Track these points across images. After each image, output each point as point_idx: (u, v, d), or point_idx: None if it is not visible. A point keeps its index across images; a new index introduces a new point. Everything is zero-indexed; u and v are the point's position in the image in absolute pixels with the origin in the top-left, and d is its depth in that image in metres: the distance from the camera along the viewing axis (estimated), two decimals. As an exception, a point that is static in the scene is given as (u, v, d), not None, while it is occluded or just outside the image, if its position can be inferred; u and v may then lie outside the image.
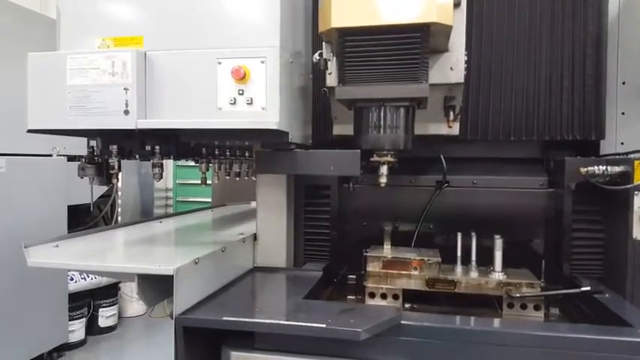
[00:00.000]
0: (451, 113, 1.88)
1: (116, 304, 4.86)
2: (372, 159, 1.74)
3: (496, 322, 1.62)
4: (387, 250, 1.97)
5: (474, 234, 1.90)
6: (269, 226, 2.10)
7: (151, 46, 1.63)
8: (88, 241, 2.07)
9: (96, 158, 1.83)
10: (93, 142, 1.88)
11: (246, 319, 1.47)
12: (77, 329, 4.35)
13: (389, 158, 1.72)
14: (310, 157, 1.76)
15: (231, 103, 1.57)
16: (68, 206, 4.03)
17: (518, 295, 1.76)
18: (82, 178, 1.85)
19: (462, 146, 2.18)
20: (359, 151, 1.72)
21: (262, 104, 1.56)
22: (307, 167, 1.78)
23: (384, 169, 1.74)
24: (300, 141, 1.85)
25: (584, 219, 1.96)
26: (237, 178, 2.68)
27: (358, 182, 2.20)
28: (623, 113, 2.04)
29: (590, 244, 1.96)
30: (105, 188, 4.28)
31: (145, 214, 6.30)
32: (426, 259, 1.86)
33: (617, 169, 1.79)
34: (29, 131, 1.69)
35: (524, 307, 1.78)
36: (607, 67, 2.01)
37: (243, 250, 2.04)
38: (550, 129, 2.04)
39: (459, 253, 1.92)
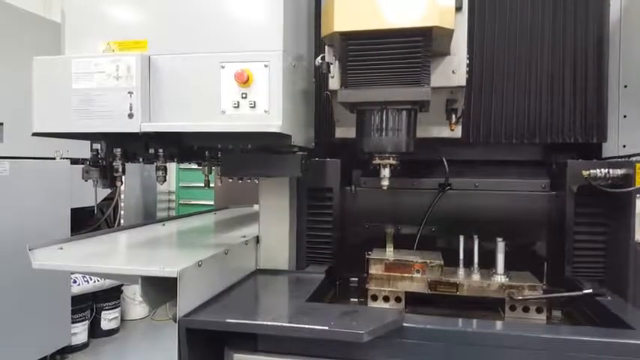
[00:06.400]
0: (453, 116, 1.89)
1: (119, 306, 4.87)
2: (374, 161, 1.75)
3: (498, 324, 1.62)
4: (390, 253, 1.97)
5: (476, 237, 1.90)
6: (272, 228, 2.11)
7: (155, 50, 1.64)
8: (91, 244, 2.08)
9: (100, 161, 1.85)
10: (97, 145, 1.89)
11: (249, 322, 1.47)
12: (80, 332, 4.35)
13: (391, 161, 1.72)
14: (252, 160, 1.79)
15: (235, 107, 1.58)
16: (71, 209, 4.04)
17: (520, 297, 1.77)
18: (85, 181, 1.86)
19: (464, 149, 2.18)
20: (300, 154, 1.75)
21: (265, 107, 1.57)
22: (251, 169, 1.82)
23: (386, 172, 1.75)
24: (303, 144, 1.85)
25: (586, 222, 1.96)
26: (240, 181, 2.69)
27: (360, 185, 2.21)
28: (625, 116, 2.04)
29: (592, 247, 1.96)
30: (108, 191, 4.29)
31: (148, 217, 6.31)
32: (428, 261, 1.87)
33: (619, 171, 1.79)
34: (34, 134, 1.70)
35: (526, 309, 1.79)
36: (609, 70, 2.01)
37: (246, 252, 2.04)
38: (552, 132, 2.05)
39: (461, 256, 1.93)
